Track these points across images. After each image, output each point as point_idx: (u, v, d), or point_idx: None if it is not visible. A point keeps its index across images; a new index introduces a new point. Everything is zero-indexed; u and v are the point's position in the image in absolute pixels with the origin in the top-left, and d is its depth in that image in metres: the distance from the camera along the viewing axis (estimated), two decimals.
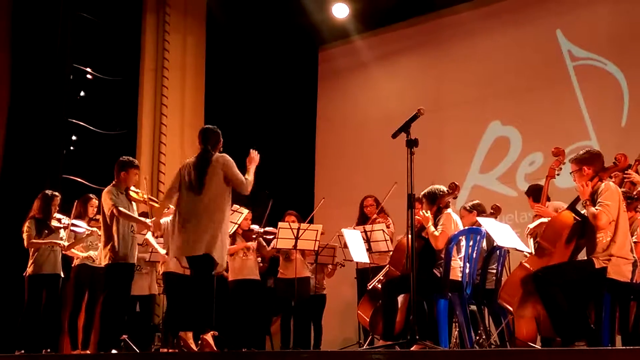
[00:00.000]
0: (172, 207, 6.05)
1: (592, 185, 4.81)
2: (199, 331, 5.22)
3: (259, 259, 7.95)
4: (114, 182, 6.19)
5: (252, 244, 7.52)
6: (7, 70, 8.68)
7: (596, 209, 4.63)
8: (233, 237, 7.46)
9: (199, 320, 5.25)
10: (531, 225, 5.44)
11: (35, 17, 8.72)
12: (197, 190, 5.38)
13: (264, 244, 7.65)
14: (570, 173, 4.96)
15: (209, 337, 5.17)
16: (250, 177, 5.57)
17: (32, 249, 6.78)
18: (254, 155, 5.75)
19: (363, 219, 7.60)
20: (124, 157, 6.33)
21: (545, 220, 5.25)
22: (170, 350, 6.72)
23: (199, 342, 5.21)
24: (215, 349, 5.23)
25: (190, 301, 5.41)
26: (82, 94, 9.39)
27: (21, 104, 8.55)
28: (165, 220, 6.99)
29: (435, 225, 5.57)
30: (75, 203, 6.97)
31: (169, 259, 6.65)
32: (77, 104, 9.21)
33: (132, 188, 6.27)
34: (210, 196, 5.38)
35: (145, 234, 7.03)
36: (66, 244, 6.81)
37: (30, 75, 8.61)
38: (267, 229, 7.59)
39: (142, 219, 6.36)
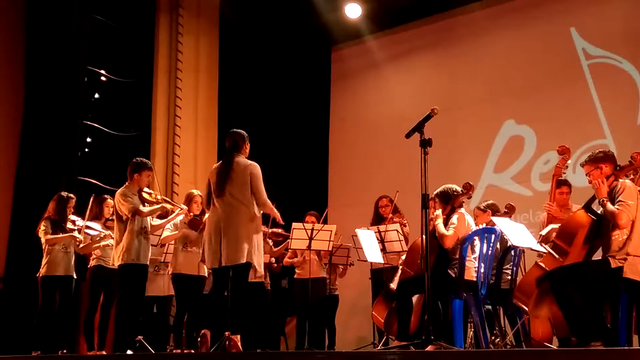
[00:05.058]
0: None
1: (608, 184, 4.77)
2: (231, 331, 5.37)
3: (272, 259, 7.96)
4: (126, 184, 6.22)
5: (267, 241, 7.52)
6: (21, 73, 8.75)
7: (617, 208, 4.59)
8: None
9: (236, 322, 5.40)
10: (543, 232, 5.42)
11: (49, 20, 8.77)
12: (221, 193, 5.44)
13: (271, 244, 7.67)
14: (586, 175, 4.91)
15: (237, 338, 5.30)
16: (269, 202, 5.62)
17: (46, 251, 6.82)
18: (277, 214, 5.81)
19: (378, 219, 7.58)
20: (137, 158, 6.36)
21: (556, 226, 5.22)
22: (186, 351, 6.75)
23: (227, 341, 5.33)
24: (241, 349, 5.32)
25: (232, 305, 5.52)
26: (96, 96, 9.44)
27: (36, 107, 8.61)
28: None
29: (447, 224, 5.55)
30: (90, 203, 7.00)
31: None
32: (92, 106, 9.26)
33: (145, 189, 6.31)
34: (241, 198, 5.45)
35: (160, 235, 7.05)
36: (81, 237, 6.86)
37: (44, 78, 8.66)
38: (274, 229, 7.60)
39: (159, 205, 6.38)
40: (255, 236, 5.45)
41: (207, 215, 6.79)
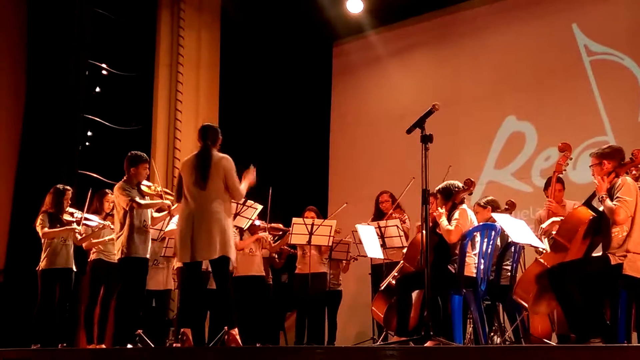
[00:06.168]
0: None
1: (609, 181, 4.78)
2: (228, 326, 5.39)
3: (275, 254, 7.96)
4: (125, 178, 6.20)
5: (265, 235, 7.51)
6: (23, 66, 8.75)
7: (614, 204, 4.59)
8: (240, 232, 7.47)
9: (230, 316, 5.40)
10: (543, 225, 5.42)
11: (50, 13, 8.77)
12: (202, 186, 5.41)
13: (269, 239, 7.67)
14: (590, 167, 4.93)
15: (235, 332, 5.29)
16: (243, 188, 5.58)
17: (45, 244, 6.83)
18: (251, 173, 5.72)
19: (379, 215, 7.58)
20: (132, 152, 6.32)
21: (557, 219, 5.23)
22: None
23: (225, 336, 5.34)
24: (240, 343, 5.31)
25: (217, 300, 5.52)
26: (97, 89, 9.45)
27: (37, 100, 8.61)
28: None
29: (450, 220, 5.56)
30: (89, 197, 7.00)
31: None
32: (93, 100, 9.27)
33: (144, 182, 6.29)
34: (215, 192, 5.42)
35: (162, 228, 7.05)
36: (80, 228, 6.86)
37: (46, 72, 8.66)
38: (272, 224, 7.59)
39: (159, 201, 6.35)
40: (228, 230, 5.43)
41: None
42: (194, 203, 5.43)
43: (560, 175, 5.95)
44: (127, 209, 6.01)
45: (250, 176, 5.70)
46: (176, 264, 7.20)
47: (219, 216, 5.38)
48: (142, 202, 6.08)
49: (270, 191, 7.40)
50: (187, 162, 5.61)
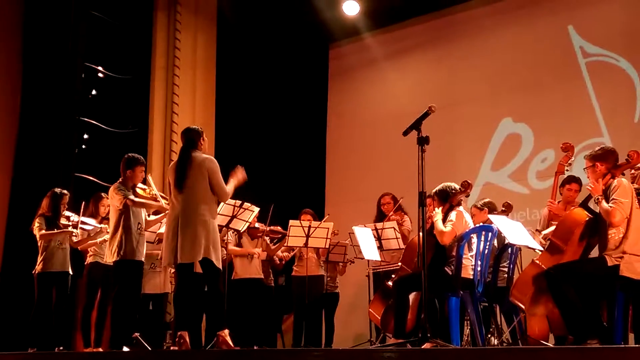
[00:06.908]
0: None
1: (604, 182, 4.78)
2: (217, 329, 5.38)
3: (276, 257, 7.95)
4: (120, 180, 6.19)
5: (258, 251, 7.52)
6: (19, 69, 8.73)
7: (610, 206, 4.60)
8: (238, 235, 7.47)
9: (219, 318, 5.42)
10: (545, 232, 5.42)
11: (46, 16, 8.76)
12: (181, 188, 5.42)
13: (269, 242, 7.67)
14: (584, 169, 4.95)
15: (224, 333, 5.28)
16: (230, 188, 5.60)
17: (41, 247, 6.81)
18: (239, 172, 5.74)
19: (380, 217, 7.59)
20: (129, 154, 6.31)
21: None
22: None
23: (215, 338, 5.33)
24: (232, 345, 5.29)
25: (209, 302, 5.54)
26: (93, 92, 9.42)
27: (33, 103, 8.60)
28: None
29: (445, 221, 5.56)
30: (84, 201, 6.98)
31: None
32: (89, 103, 9.25)
33: (139, 185, 6.28)
34: (199, 194, 5.42)
35: (157, 230, 7.04)
36: (77, 231, 6.85)
37: (42, 74, 8.65)
38: (272, 227, 7.59)
39: (154, 202, 6.34)
40: (213, 232, 5.43)
41: None
42: (179, 206, 5.44)
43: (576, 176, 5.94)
44: (122, 207, 6.00)
45: (239, 175, 5.71)
46: (173, 266, 7.17)
47: (204, 218, 5.39)
48: (136, 199, 6.06)
49: (272, 207, 7.39)
50: (171, 166, 5.67)
